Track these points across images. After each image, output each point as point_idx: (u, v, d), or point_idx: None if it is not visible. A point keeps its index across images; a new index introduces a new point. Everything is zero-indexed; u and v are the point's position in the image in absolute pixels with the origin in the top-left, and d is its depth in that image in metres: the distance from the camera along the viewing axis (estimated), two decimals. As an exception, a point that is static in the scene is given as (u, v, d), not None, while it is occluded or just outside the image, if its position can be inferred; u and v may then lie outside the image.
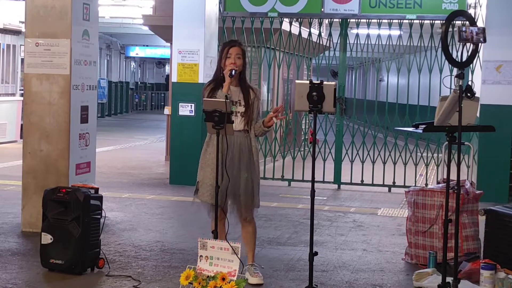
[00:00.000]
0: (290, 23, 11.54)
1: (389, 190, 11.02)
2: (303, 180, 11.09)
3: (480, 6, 10.63)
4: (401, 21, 11.00)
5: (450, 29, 5.68)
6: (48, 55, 7.22)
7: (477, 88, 9.89)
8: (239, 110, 5.66)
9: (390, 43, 11.17)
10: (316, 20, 12.03)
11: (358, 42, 11.19)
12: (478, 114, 9.75)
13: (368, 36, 11.18)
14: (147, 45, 32.70)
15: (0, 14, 16.54)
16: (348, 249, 7.05)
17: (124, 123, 26.67)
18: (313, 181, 5.13)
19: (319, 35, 11.30)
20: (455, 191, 5.16)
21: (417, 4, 10.72)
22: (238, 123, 5.63)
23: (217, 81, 5.70)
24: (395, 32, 11.16)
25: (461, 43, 4.93)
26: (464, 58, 5.03)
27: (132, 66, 37.38)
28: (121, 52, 33.52)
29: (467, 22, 5.11)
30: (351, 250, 6.99)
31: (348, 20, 11.24)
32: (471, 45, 5.06)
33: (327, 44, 11.46)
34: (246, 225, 5.78)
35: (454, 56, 5.15)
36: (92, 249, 5.85)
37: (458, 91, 4.91)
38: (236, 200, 5.63)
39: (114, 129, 22.71)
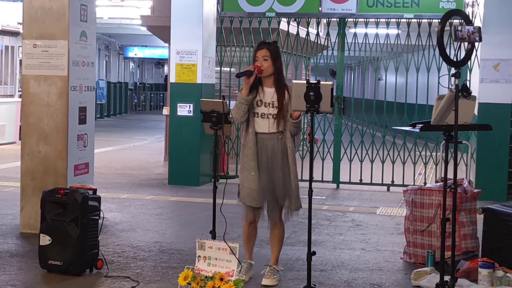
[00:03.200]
0: (288, 23, 11.55)
1: (388, 189, 11.03)
2: (301, 180, 11.05)
3: (478, 5, 10.64)
4: (399, 20, 11.00)
5: (448, 28, 5.69)
6: (46, 56, 7.22)
7: (475, 87, 9.90)
8: (271, 112, 5.61)
9: (388, 42, 11.18)
10: (314, 19, 12.03)
11: (356, 42, 11.20)
12: (476, 113, 9.76)
13: (366, 35, 11.19)
14: (145, 46, 32.68)
15: (-2, 16, 16.54)
16: (347, 248, 7.05)
17: (123, 124, 26.68)
18: (310, 180, 5.13)
19: (317, 34, 11.31)
20: (452, 190, 5.17)
21: (414, 3, 10.73)
22: (271, 125, 5.60)
23: (252, 84, 5.62)
24: (393, 31, 11.17)
25: (457, 42, 4.94)
26: (462, 57, 5.04)
27: (131, 67, 37.36)
28: (119, 52, 33.51)
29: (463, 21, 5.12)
30: (349, 250, 6.99)
31: (346, 19, 11.24)
32: (468, 44, 5.06)
33: (325, 44, 11.47)
34: (275, 228, 5.80)
35: (451, 55, 5.15)
36: (90, 250, 5.86)
37: (454, 90, 4.91)
38: (274, 203, 5.66)
39: (113, 130, 22.71)
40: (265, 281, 5.67)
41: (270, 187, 5.60)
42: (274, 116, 5.61)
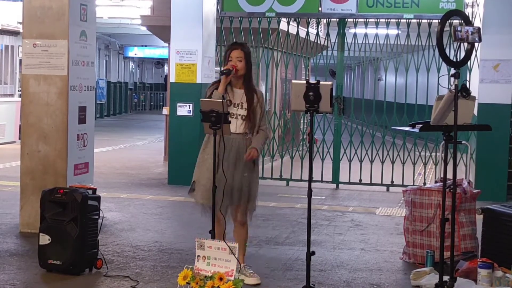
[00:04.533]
0: (288, 23, 11.55)
1: (388, 190, 11.03)
2: (301, 180, 11.09)
3: (478, 5, 10.64)
4: (399, 20, 11.01)
5: (447, 29, 5.69)
6: (46, 56, 7.23)
7: (474, 87, 9.90)
8: (240, 113, 5.65)
9: (388, 43, 11.19)
10: (314, 19, 12.04)
11: (356, 42, 11.20)
12: (476, 113, 9.77)
13: (366, 35, 11.20)
14: (145, 46, 32.67)
15: (-2, 15, 16.56)
16: (346, 248, 7.06)
17: (123, 124, 26.68)
18: (310, 180, 5.14)
19: (317, 34, 11.31)
20: (452, 190, 5.17)
21: (414, 3, 10.73)
22: (238, 125, 5.63)
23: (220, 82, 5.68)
24: (393, 32, 11.17)
25: (457, 43, 4.94)
26: (461, 58, 5.05)
27: (130, 67, 37.36)
28: (119, 52, 33.50)
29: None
30: (349, 250, 7.00)
31: (346, 19, 11.25)
32: (467, 44, 5.07)
33: (325, 44, 11.47)
34: (238, 227, 5.80)
35: (451, 55, 5.15)
36: (90, 250, 5.86)
37: (454, 91, 4.92)
38: (231, 201, 5.63)
39: (113, 130, 22.71)
40: (251, 281, 5.62)
41: (228, 186, 5.51)
42: (243, 117, 5.64)
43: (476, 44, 5.42)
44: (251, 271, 5.70)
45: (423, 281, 5.73)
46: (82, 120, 7.52)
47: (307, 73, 14.55)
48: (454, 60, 5.09)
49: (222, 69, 5.71)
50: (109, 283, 5.64)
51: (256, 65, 11.67)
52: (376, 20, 11.05)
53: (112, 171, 12.23)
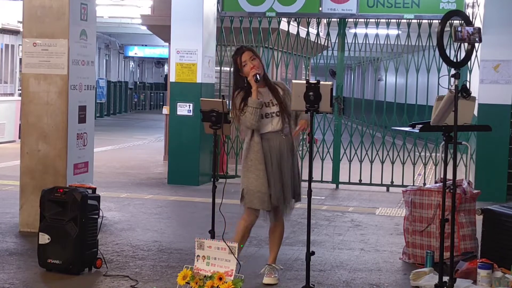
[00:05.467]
0: (288, 23, 11.55)
1: (387, 190, 11.03)
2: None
3: (478, 6, 10.63)
4: (399, 20, 11.01)
5: (448, 29, 5.69)
6: (46, 55, 7.23)
7: (475, 88, 9.90)
8: (274, 110, 5.60)
9: (388, 43, 11.18)
10: (314, 19, 12.04)
11: (356, 42, 11.20)
12: (476, 114, 9.76)
13: (366, 35, 11.19)
14: (146, 45, 32.69)
15: (-1, 14, 16.56)
16: (346, 248, 7.05)
17: (123, 123, 26.68)
18: (310, 180, 5.14)
19: (317, 34, 11.31)
20: (451, 190, 5.17)
21: (415, 3, 10.73)
22: (275, 123, 5.58)
23: (245, 89, 5.60)
24: (393, 32, 11.17)
25: (457, 43, 4.94)
26: (462, 58, 5.04)
27: (131, 66, 37.37)
28: (120, 52, 33.51)
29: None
30: (348, 250, 6.99)
31: (346, 19, 11.25)
32: (468, 44, 5.07)
33: (325, 44, 11.47)
34: (277, 226, 5.80)
35: (451, 56, 5.15)
36: (89, 249, 5.86)
37: (454, 91, 4.91)
38: (287, 199, 5.64)
39: (113, 129, 22.71)
40: (266, 280, 5.68)
41: (280, 188, 5.55)
42: (277, 113, 5.59)
43: (476, 44, 5.41)
44: (272, 271, 5.74)
45: (422, 282, 5.73)
46: (82, 119, 7.52)
47: (307, 73, 14.56)
48: (455, 60, 5.08)
49: (251, 76, 5.51)
50: (109, 282, 5.64)
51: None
52: (376, 20, 11.04)
53: (112, 171, 12.23)
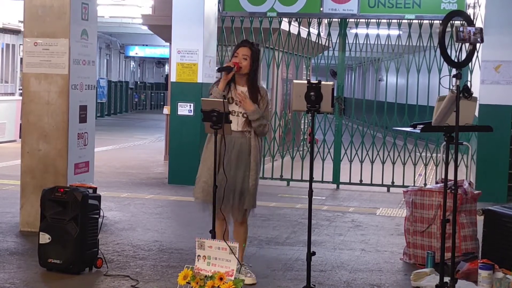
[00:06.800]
0: (289, 23, 11.55)
1: (388, 190, 11.03)
2: (301, 180, 11.09)
3: (479, 6, 10.63)
4: (400, 21, 11.00)
5: (449, 29, 5.68)
6: (47, 54, 7.22)
7: (476, 88, 9.89)
8: (241, 111, 5.63)
9: (389, 43, 11.18)
10: (315, 20, 12.05)
11: (357, 42, 11.20)
12: (477, 114, 9.76)
13: (367, 36, 11.19)
14: (146, 45, 32.66)
15: (0, 14, 16.54)
16: (347, 249, 7.05)
17: (123, 123, 26.68)
18: (311, 180, 5.13)
19: (318, 35, 11.30)
20: (452, 191, 5.16)
21: (416, 4, 10.73)
22: (239, 123, 5.61)
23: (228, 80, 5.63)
24: (394, 32, 11.17)
25: (459, 43, 4.93)
26: (463, 58, 5.04)
27: (131, 66, 37.35)
28: (120, 51, 33.50)
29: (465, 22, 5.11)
30: (349, 250, 6.99)
31: (347, 20, 11.24)
32: (469, 45, 5.06)
33: (326, 44, 11.46)
34: (237, 226, 5.79)
35: (452, 56, 5.15)
36: (90, 249, 5.85)
37: (455, 91, 4.91)
38: (232, 201, 5.62)
39: (113, 129, 22.71)
40: (247, 280, 5.59)
41: (229, 186, 5.48)
42: (244, 115, 5.62)
43: (477, 45, 5.40)
44: (248, 271, 5.68)
45: (423, 282, 5.72)
46: (82, 119, 7.52)
47: (308, 73, 14.55)
48: (456, 60, 5.08)
49: (224, 65, 5.66)
50: (109, 282, 5.63)
51: (257, 65, 11.66)
52: (377, 20, 11.04)
53: (112, 171, 12.23)
